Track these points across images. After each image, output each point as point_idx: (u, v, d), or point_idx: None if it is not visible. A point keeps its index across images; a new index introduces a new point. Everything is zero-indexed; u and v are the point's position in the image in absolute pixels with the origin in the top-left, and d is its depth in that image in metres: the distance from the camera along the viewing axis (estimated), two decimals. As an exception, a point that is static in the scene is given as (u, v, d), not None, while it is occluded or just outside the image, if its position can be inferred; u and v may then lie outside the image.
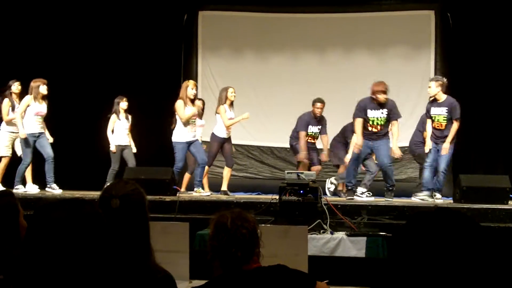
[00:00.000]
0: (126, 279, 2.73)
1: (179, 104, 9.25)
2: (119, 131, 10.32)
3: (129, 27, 12.18)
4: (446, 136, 8.87)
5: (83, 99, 11.80)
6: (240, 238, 2.76)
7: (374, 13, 12.59)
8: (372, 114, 9.02)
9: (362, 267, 5.71)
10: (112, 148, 10.17)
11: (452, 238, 1.49)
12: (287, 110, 10.71)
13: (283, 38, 12.62)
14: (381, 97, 8.93)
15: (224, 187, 9.67)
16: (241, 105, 10.44)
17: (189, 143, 9.29)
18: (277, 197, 7.07)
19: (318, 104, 10.05)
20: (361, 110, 9.05)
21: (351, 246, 6.38)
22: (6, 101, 9.70)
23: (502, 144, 11.42)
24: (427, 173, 8.99)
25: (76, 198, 3.21)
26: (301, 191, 6.98)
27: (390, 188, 9.10)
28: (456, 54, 11.87)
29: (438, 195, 9.07)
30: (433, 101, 9.05)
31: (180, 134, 9.27)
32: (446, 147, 8.81)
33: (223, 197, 8.96)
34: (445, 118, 8.91)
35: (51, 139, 9.71)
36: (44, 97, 9.45)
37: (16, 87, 9.79)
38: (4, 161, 9.69)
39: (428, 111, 9.14)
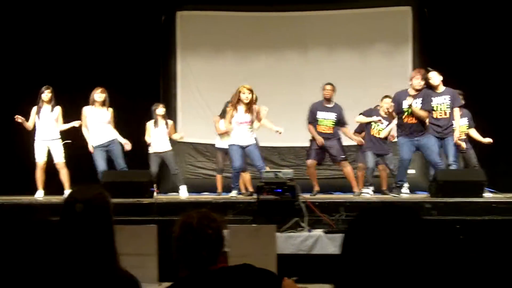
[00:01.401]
0: (90, 283, 2.73)
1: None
2: (156, 138, 10.15)
3: (108, 27, 12.13)
4: (451, 125, 8.90)
5: (62, 100, 11.70)
6: (206, 238, 2.76)
7: (353, 10, 12.65)
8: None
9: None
10: (150, 151, 10.11)
11: (397, 233, 1.52)
12: (269, 109, 10.68)
13: (263, 37, 12.66)
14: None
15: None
16: (222, 105, 10.39)
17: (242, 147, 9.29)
18: (255, 196, 7.09)
19: (327, 87, 9.82)
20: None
21: (329, 243, 6.39)
22: (34, 109, 9.68)
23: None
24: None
25: (27, 205, 3.18)
26: (279, 190, 7.00)
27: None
28: (433, 49, 11.93)
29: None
30: (432, 92, 9.08)
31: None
32: (457, 135, 8.88)
33: (202, 198, 8.97)
34: (448, 107, 8.94)
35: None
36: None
37: (45, 94, 9.71)
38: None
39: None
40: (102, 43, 12.14)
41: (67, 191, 9.24)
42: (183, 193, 9.71)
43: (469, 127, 9.63)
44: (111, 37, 12.16)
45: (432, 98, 8.95)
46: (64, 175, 9.51)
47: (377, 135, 10.03)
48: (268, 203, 6.95)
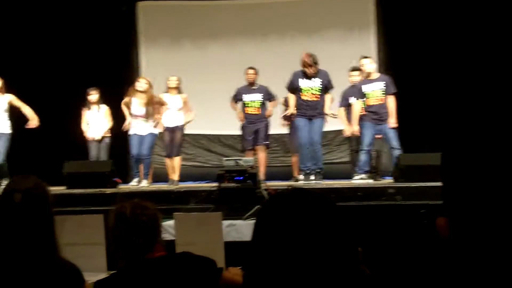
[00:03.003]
0: (30, 273, 2.71)
1: None
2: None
3: (68, 20, 12.01)
4: (386, 112, 8.94)
5: (26, 93, 11.59)
6: (140, 226, 2.77)
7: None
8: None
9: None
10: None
11: (306, 217, 1.51)
12: (224, 97, 10.70)
13: (220, 26, 12.65)
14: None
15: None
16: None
17: None
18: (216, 184, 7.08)
19: (250, 71, 10.29)
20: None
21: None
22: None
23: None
24: (365, 157, 9.05)
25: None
26: (240, 178, 7.00)
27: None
28: (397, 33, 11.94)
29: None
30: (364, 80, 9.13)
31: None
32: (394, 121, 8.90)
33: (164, 187, 8.94)
34: (384, 93, 8.98)
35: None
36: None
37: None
38: None
39: (358, 90, 9.14)
40: (65, 34, 12.01)
41: None
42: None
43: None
44: (73, 28, 12.04)
45: (363, 86, 9.09)
46: None
47: None
48: (229, 191, 6.97)
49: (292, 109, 9.20)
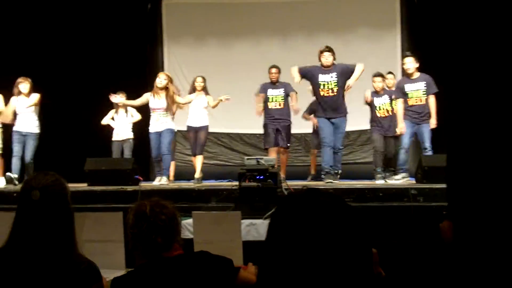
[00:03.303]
0: (48, 270, 2.72)
1: None
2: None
3: (93, 19, 12.11)
4: (428, 113, 8.89)
5: (49, 92, 11.70)
6: (159, 224, 2.77)
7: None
8: None
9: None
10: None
11: (319, 217, 1.51)
12: (249, 96, 10.68)
13: (246, 24, 12.67)
14: None
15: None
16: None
17: None
18: (237, 183, 7.05)
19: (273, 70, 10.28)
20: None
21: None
22: None
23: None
24: (404, 156, 9.03)
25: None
26: (261, 177, 6.96)
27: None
28: (422, 32, 11.87)
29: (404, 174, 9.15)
30: (406, 79, 9.09)
31: None
32: (435, 122, 8.85)
33: (184, 185, 8.94)
34: (424, 93, 8.93)
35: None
36: None
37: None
38: None
39: (401, 89, 9.12)
40: (88, 33, 12.12)
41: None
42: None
43: None
44: (97, 26, 12.14)
45: (406, 85, 9.05)
46: None
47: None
48: (250, 190, 6.91)
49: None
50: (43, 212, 2.78)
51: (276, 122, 10.02)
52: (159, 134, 9.38)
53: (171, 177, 9.87)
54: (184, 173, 10.73)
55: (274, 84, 10.16)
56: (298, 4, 12.71)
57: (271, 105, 10.04)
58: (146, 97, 9.47)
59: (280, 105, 10.05)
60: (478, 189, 0.88)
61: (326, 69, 9.04)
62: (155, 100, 9.36)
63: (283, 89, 10.07)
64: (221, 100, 9.78)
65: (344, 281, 1.43)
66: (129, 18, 12.29)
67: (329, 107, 9.03)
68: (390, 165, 9.62)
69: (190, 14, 12.90)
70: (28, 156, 9.42)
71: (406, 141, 9.00)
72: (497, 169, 0.86)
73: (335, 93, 9.01)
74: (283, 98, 10.07)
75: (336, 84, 9.01)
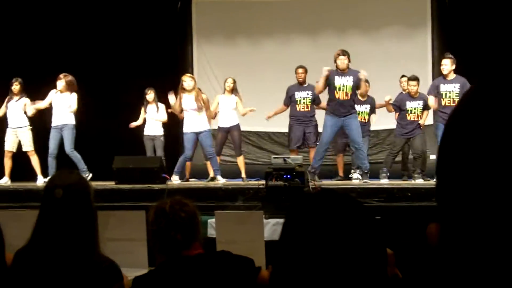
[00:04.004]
0: (69, 269, 2.74)
1: None
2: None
3: (123, 17, 12.19)
4: None
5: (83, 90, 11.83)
6: (178, 221, 2.76)
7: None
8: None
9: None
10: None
11: (332, 218, 1.50)
12: (282, 95, 10.65)
13: (275, 22, 12.61)
14: None
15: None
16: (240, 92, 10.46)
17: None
18: (264, 182, 7.04)
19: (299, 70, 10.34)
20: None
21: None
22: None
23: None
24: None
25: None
26: (288, 176, 6.94)
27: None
28: (453, 32, 11.75)
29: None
30: (442, 79, 9.06)
31: None
32: None
33: (211, 184, 8.98)
34: (457, 95, 8.86)
35: None
36: None
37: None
38: None
39: (437, 87, 9.08)
40: (119, 32, 12.20)
41: (39, 177, 9.52)
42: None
43: None
44: (128, 25, 12.21)
45: (442, 85, 9.05)
46: (34, 161, 9.67)
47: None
48: (276, 189, 6.89)
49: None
50: (66, 211, 2.80)
51: (304, 124, 10.02)
52: (196, 135, 9.41)
53: (187, 176, 10.02)
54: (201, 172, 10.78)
55: (301, 85, 10.15)
56: (329, 2, 12.67)
57: (298, 107, 10.04)
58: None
59: (307, 108, 10.07)
60: (471, 189, 0.85)
61: (342, 72, 9.03)
62: (188, 101, 9.36)
63: (311, 91, 10.04)
64: (251, 110, 10.03)
65: (356, 282, 1.42)
66: (160, 17, 12.34)
67: (341, 108, 9.06)
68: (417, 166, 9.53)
69: (220, 13, 12.90)
70: (68, 147, 9.47)
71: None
72: (496, 169, 0.83)
73: (349, 97, 9.09)
74: (310, 100, 10.06)
75: (351, 88, 9.06)
